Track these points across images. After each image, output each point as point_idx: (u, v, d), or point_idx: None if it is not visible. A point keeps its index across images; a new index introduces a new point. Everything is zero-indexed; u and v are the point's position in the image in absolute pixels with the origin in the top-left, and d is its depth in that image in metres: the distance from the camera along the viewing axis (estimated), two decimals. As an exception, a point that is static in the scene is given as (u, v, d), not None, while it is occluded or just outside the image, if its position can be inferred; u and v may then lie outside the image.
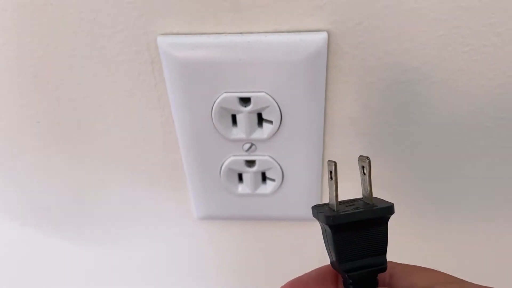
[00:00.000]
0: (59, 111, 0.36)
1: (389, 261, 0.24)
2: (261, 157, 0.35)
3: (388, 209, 0.23)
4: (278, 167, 0.35)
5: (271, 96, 0.32)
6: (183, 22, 0.30)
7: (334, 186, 0.23)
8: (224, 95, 0.32)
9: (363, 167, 0.23)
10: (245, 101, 0.33)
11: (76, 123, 0.36)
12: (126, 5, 0.30)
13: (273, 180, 0.37)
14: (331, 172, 0.23)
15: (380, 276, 0.23)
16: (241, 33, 0.30)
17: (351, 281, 0.23)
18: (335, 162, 0.23)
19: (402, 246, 0.42)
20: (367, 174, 0.23)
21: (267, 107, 0.32)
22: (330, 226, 0.23)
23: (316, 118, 0.33)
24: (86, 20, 0.31)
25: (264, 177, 0.37)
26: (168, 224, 0.42)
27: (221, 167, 0.36)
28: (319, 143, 0.34)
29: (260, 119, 0.34)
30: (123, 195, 0.41)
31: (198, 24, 0.30)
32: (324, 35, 0.30)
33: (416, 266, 0.23)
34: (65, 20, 0.31)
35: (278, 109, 0.32)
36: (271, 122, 0.33)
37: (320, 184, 0.37)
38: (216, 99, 0.32)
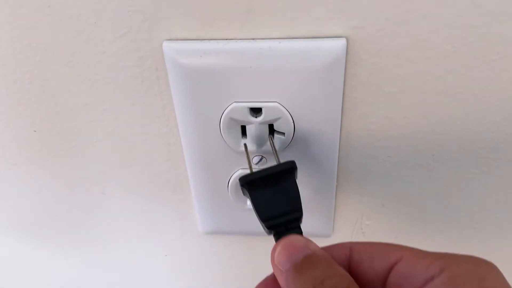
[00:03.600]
0: (57, 120, 0.34)
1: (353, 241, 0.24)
2: (272, 171, 0.33)
3: (286, 164, 0.27)
4: (290, 181, 0.33)
5: (283, 107, 0.30)
6: (190, 27, 0.28)
7: (247, 158, 0.30)
8: (234, 105, 0.30)
9: (273, 143, 0.30)
10: (256, 111, 0.31)
11: (75, 132, 0.34)
12: (130, 8, 0.28)
13: (284, 194, 0.34)
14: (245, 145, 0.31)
15: (341, 250, 0.23)
16: (252, 39, 0.28)
17: (274, 231, 0.25)
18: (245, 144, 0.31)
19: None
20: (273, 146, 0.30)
21: (279, 118, 0.30)
22: (243, 185, 0.27)
23: (331, 130, 0.31)
24: (86, 24, 0.29)
25: (274, 191, 0.35)
26: (171, 238, 0.40)
27: (229, 181, 0.34)
28: (333, 157, 0.32)
29: (272, 131, 0.32)
30: (125, 208, 0.38)
31: (206, 29, 0.28)
32: (342, 41, 0.28)
33: (377, 242, 0.23)
34: (63, 24, 0.29)
35: (291, 121, 0.30)
36: (283, 134, 0.31)
37: (334, 200, 0.35)
38: (225, 109, 0.30)
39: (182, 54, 0.29)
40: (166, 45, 0.29)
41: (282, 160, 0.28)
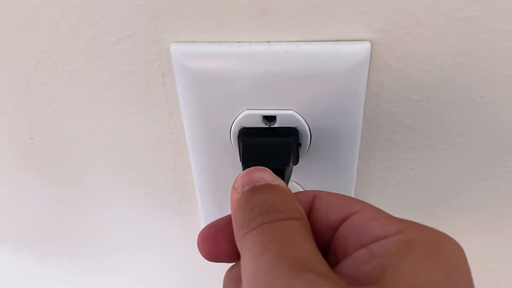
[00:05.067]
0: (55, 127, 0.31)
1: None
2: (286, 183, 0.31)
3: (291, 128, 0.27)
4: (305, 194, 0.31)
5: (300, 115, 0.28)
6: (200, 29, 0.26)
7: None
8: (246, 112, 0.28)
9: None
10: (270, 119, 0.28)
11: (74, 140, 0.32)
12: (134, 8, 0.25)
13: (297, 208, 0.32)
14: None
15: (305, 196, 0.22)
16: (268, 41, 0.26)
17: None
18: None
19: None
20: None
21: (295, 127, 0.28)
22: (239, 133, 0.28)
23: (350, 140, 0.29)
24: (87, 25, 0.26)
25: (287, 204, 0.33)
26: (176, 251, 0.38)
27: (238, 193, 0.32)
28: (352, 168, 0.30)
29: (287, 141, 0.29)
30: (127, 219, 0.36)
31: (217, 31, 0.26)
32: (366, 45, 0.25)
33: (342, 194, 0.22)
34: (62, 25, 0.27)
35: (307, 130, 0.28)
36: (299, 144, 0.29)
37: (351, 213, 0.33)
38: (236, 117, 0.28)
39: (191, 58, 0.27)
40: (173, 48, 0.27)
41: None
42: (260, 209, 0.19)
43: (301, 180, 0.31)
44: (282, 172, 0.26)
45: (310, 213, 0.21)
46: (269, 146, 0.27)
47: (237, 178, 0.21)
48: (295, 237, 0.17)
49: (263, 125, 0.28)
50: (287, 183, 0.26)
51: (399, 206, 0.33)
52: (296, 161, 0.28)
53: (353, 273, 0.17)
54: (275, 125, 0.28)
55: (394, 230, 0.17)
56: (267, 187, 0.20)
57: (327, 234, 0.20)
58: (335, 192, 0.31)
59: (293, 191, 0.31)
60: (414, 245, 0.17)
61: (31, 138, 0.32)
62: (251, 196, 0.20)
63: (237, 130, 0.29)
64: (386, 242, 0.17)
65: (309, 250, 0.17)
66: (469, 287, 0.16)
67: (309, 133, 0.28)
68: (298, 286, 0.15)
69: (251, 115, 0.28)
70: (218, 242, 0.21)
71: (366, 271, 0.17)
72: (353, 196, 0.32)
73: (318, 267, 0.16)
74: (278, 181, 0.21)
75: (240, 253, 0.18)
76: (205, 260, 0.40)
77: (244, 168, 0.26)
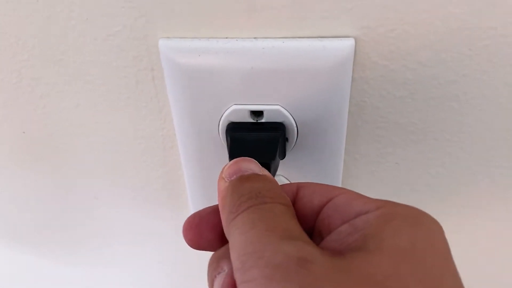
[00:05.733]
0: (47, 121, 0.32)
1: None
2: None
3: (278, 123, 0.28)
4: (292, 188, 0.32)
5: (286, 110, 0.28)
6: (188, 24, 0.26)
7: None
8: (233, 107, 0.28)
9: None
10: (257, 114, 0.29)
11: (65, 135, 0.32)
12: (124, 4, 0.26)
13: (285, 202, 0.33)
14: None
15: (289, 188, 0.22)
16: (254, 38, 0.27)
17: None
18: None
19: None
20: None
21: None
22: (227, 128, 0.28)
23: (336, 135, 0.29)
24: (77, 20, 0.27)
25: (275, 198, 0.33)
26: (166, 245, 0.39)
27: (227, 187, 0.32)
28: (338, 163, 0.31)
29: (274, 135, 0.30)
30: (118, 214, 0.37)
31: (205, 27, 0.26)
32: (350, 42, 0.26)
33: (321, 183, 0.23)
34: (53, 20, 0.27)
35: (294, 125, 0.28)
36: (286, 138, 0.29)
37: (338, 207, 0.33)
38: (224, 112, 0.29)
39: (180, 53, 0.27)
40: (162, 43, 0.27)
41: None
42: (248, 195, 0.19)
43: (288, 174, 0.31)
44: (269, 166, 0.26)
45: (294, 202, 0.22)
46: (256, 141, 0.27)
47: (224, 168, 0.22)
48: (282, 216, 0.18)
49: (251, 120, 0.29)
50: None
51: (385, 201, 0.33)
52: (283, 156, 0.29)
53: (338, 246, 0.18)
54: (262, 120, 0.28)
55: (375, 206, 0.18)
56: (254, 177, 0.21)
57: (311, 218, 0.21)
58: (323, 181, 0.32)
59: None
60: (395, 216, 0.17)
61: (23, 132, 0.33)
62: (239, 184, 0.20)
63: (225, 125, 0.29)
64: (367, 216, 0.18)
65: (296, 227, 0.18)
66: (449, 255, 0.17)
67: (295, 128, 0.29)
68: (286, 249, 0.16)
69: (238, 110, 0.28)
70: (202, 231, 0.22)
71: (350, 243, 0.17)
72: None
73: (305, 238, 0.17)
74: (264, 171, 0.22)
75: (228, 238, 0.19)
76: (195, 254, 0.40)
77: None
